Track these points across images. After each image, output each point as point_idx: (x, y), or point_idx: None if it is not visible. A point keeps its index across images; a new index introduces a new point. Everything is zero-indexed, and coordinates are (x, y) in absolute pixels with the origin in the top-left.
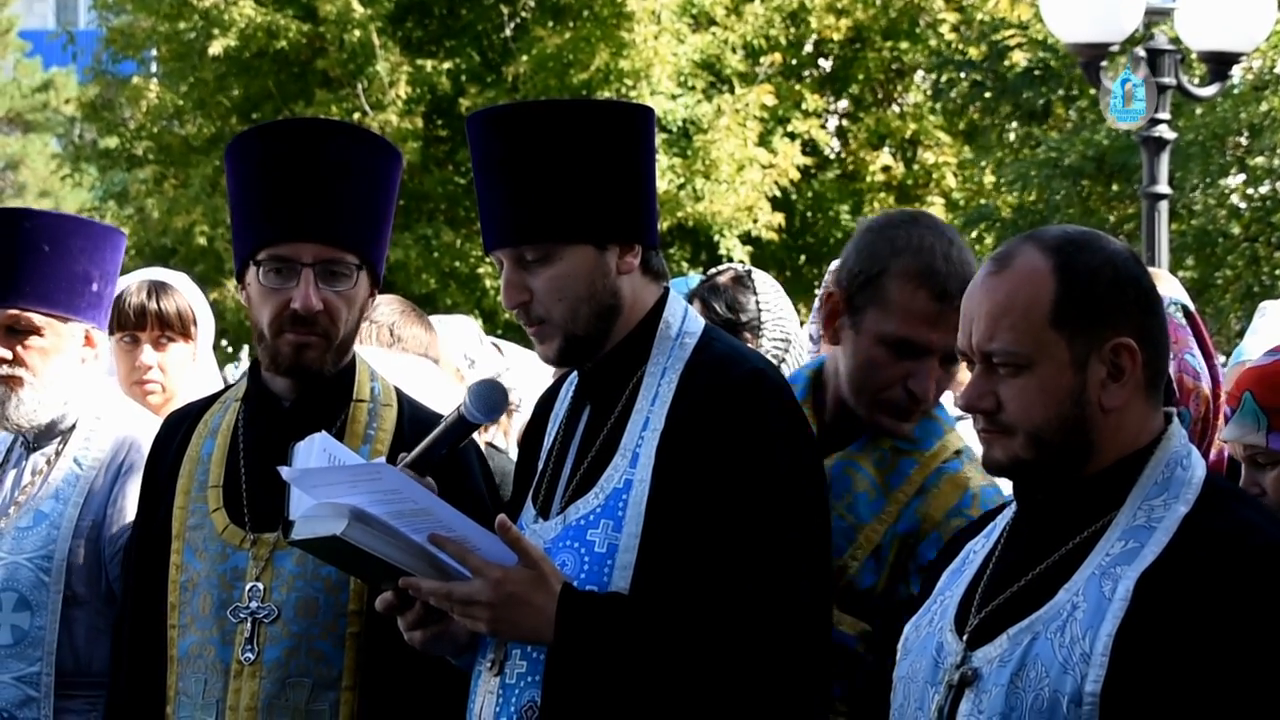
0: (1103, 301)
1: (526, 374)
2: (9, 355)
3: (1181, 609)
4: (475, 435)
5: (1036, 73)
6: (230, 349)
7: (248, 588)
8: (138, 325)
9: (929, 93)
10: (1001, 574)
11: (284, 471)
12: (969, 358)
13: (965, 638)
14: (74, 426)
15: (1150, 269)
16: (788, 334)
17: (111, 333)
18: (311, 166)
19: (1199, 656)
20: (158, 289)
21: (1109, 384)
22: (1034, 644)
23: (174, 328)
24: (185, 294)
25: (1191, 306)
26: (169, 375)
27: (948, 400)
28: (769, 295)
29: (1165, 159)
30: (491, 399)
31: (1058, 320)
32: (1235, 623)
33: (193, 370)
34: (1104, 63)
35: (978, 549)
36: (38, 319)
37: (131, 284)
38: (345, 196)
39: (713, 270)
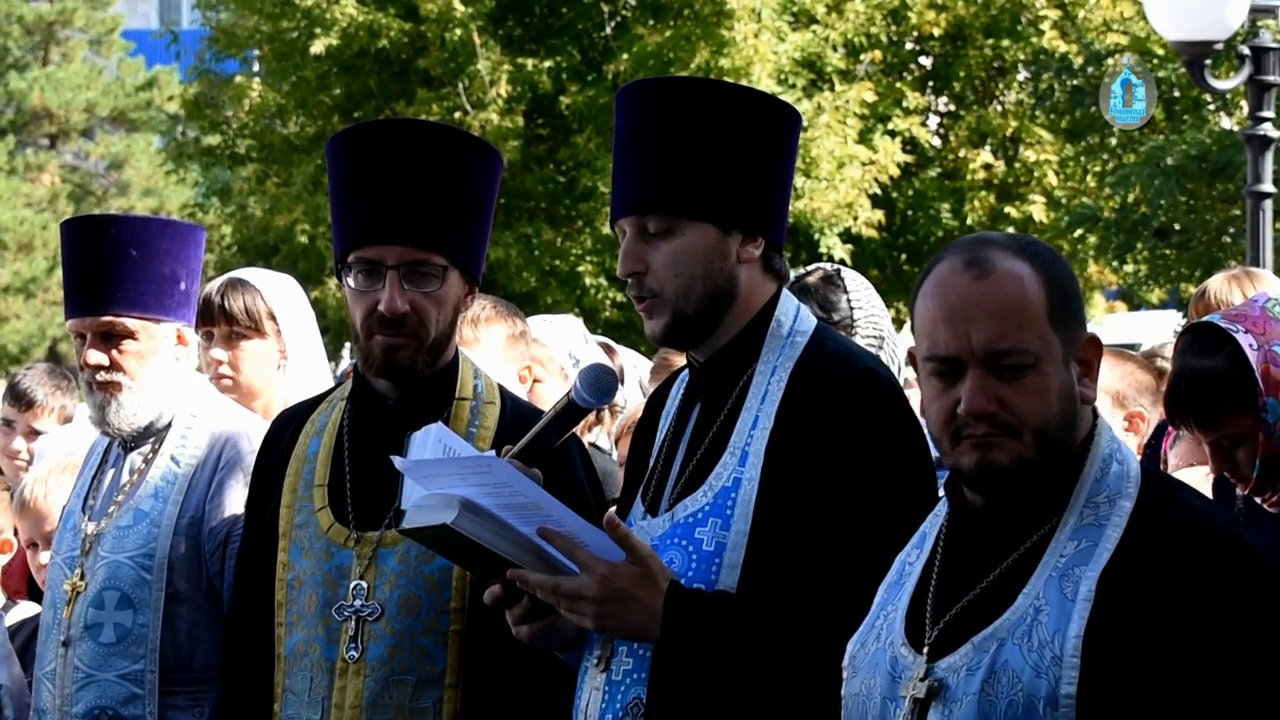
0: (1074, 299)
1: (628, 374)
2: (106, 361)
3: (1147, 603)
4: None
5: None
6: (332, 347)
7: (352, 586)
8: (209, 321)
9: (1030, 94)
10: (950, 583)
11: (396, 461)
12: (954, 363)
13: (925, 650)
14: (170, 425)
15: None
16: (881, 331)
17: (196, 329)
18: (399, 168)
19: (1170, 648)
20: (230, 286)
21: (1084, 379)
22: (1001, 650)
23: (240, 323)
24: (268, 292)
25: None
26: (242, 371)
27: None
28: (860, 293)
29: (1270, 158)
30: (603, 382)
31: (1053, 318)
32: (1202, 611)
33: (276, 367)
34: (1208, 61)
35: (913, 560)
36: (132, 323)
37: (216, 281)
38: (433, 198)
39: (801, 271)
